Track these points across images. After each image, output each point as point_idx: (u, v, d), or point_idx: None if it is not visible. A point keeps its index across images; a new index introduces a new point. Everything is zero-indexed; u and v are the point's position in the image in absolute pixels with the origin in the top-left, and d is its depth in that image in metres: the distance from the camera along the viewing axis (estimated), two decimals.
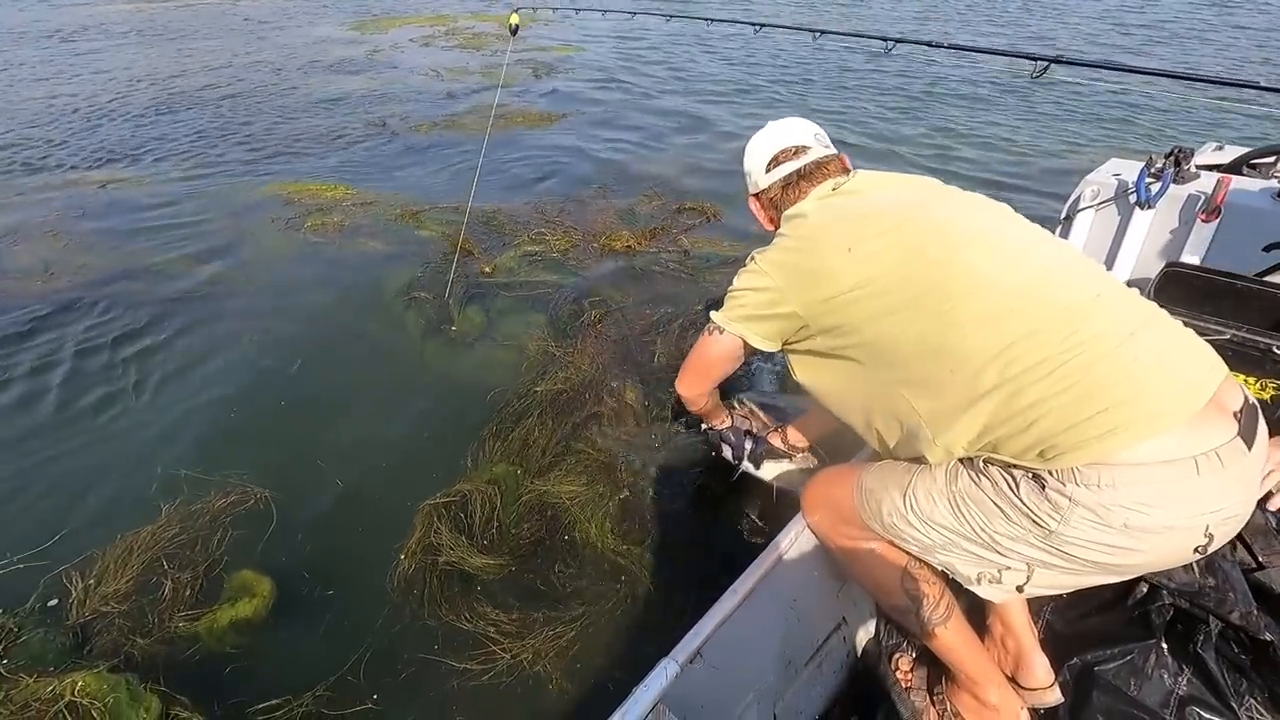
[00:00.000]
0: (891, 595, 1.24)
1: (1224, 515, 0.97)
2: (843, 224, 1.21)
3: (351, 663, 1.79)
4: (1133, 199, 2.14)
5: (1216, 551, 1.20)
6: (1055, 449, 0.98)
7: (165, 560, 2.06)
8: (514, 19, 3.60)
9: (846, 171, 1.37)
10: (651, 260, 3.93)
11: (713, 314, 1.35)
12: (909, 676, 1.43)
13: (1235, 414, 0.99)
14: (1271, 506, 1.28)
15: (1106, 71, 2.35)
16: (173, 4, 13.46)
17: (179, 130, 6.29)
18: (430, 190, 4.86)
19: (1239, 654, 1.29)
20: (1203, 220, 1.79)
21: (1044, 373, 1.00)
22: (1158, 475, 0.94)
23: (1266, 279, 1.64)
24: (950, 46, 2.67)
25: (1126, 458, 0.95)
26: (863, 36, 3.34)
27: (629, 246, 4.11)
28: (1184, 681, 1.29)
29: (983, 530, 1.08)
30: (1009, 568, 1.10)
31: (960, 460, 1.11)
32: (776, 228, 1.40)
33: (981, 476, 1.07)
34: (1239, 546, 1.35)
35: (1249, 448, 0.98)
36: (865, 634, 1.53)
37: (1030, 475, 1.01)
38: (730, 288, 1.33)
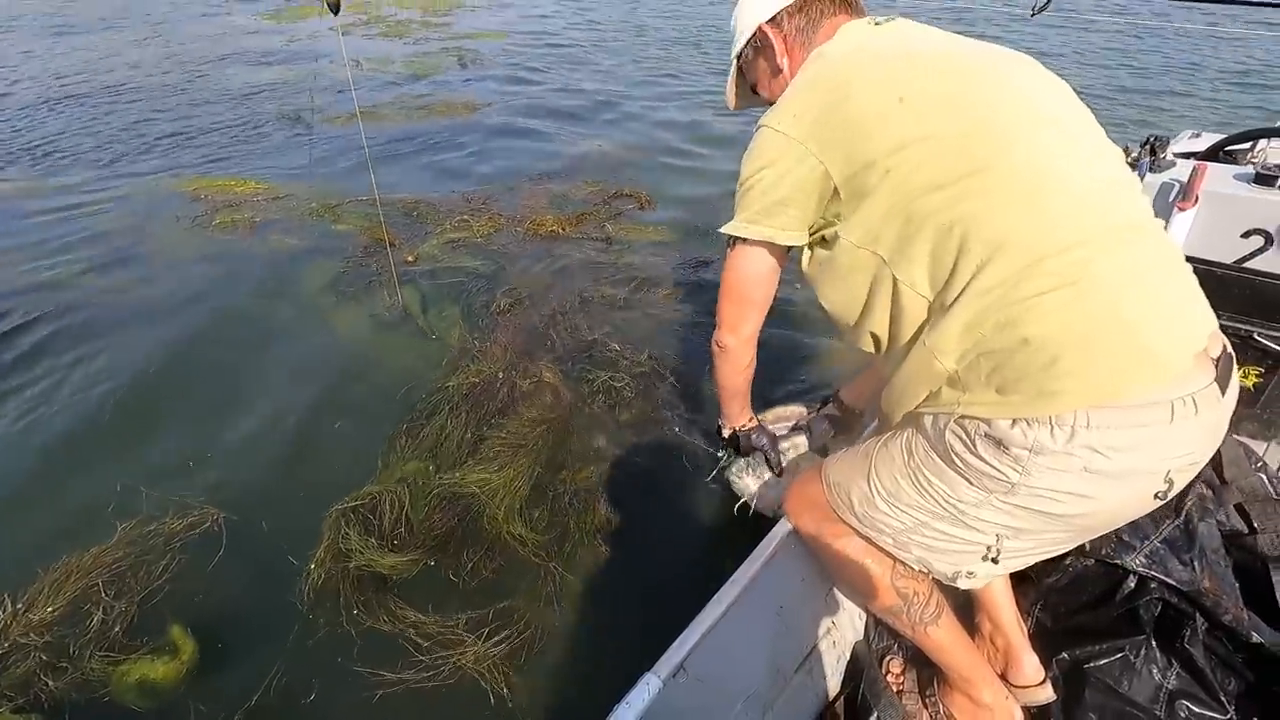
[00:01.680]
0: (881, 596, 1.20)
1: (1188, 460, 0.94)
2: (890, 65, 1.01)
3: (263, 689, 1.68)
4: None
5: (1206, 537, 1.24)
6: (1038, 386, 0.90)
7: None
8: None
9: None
10: (574, 246, 3.87)
11: (724, 227, 1.15)
12: (900, 679, 1.41)
13: (1214, 360, 0.96)
14: None
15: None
16: None
17: (74, 129, 5.90)
18: (347, 183, 4.68)
19: (1228, 649, 1.28)
20: (1180, 208, 1.78)
21: (1061, 285, 0.89)
22: (1131, 419, 0.89)
23: (1246, 265, 1.66)
24: None
25: (1112, 401, 0.89)
26: None
27: (554, 231, 4.04)
28: (1173, 676, 1.29)
29: (947, 502, 1.03)
30: (979, 543, 1.05)
31: (915, 426, 1.06)
32: (780, 80, 1.19)
33: (939, 440, 1.01)
34: (1234, 513, 1.34)
35: (1222, 394, 0.95)
36: (855, 637, 1.50)
37: (984, 433, 0.96)
38: (740, 180, 1.12)
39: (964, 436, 0.98)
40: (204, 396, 2.68)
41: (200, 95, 6.75)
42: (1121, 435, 0.89)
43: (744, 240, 1.13)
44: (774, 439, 1.63)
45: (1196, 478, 1.24)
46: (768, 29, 1.18)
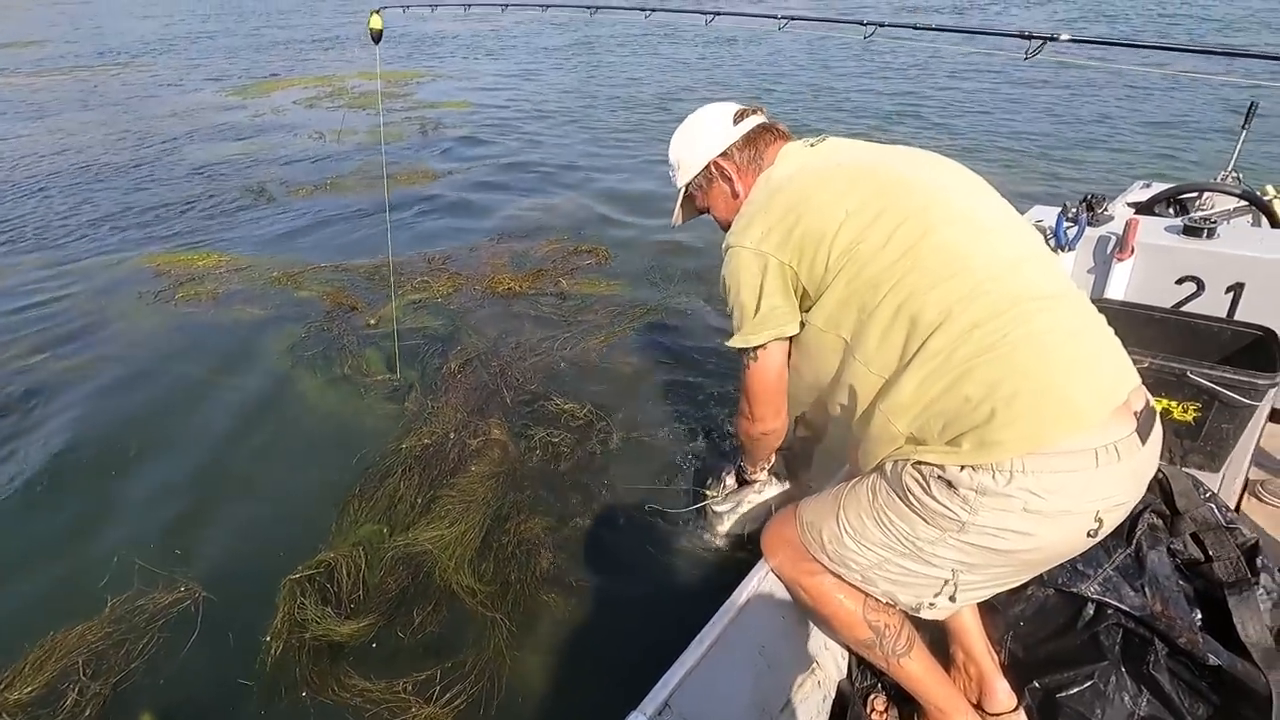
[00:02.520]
0: (855, 629, 1.28)
1: (1114, 503, 1.07)
2: (832, 185, 1.21)
3: None
4: (1053, 243, 2.22)
5: (1157, 564, 1.33)
6: (980, 437, 1.04)
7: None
8: (375, 21, 2.93)
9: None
10: (529, 302, 4.01)
11: (732, 342, 1.32)
12: (884, 717, 1.45)
13: (1136, 413, 1.08)
14: None
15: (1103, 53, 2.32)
16: (41, 79, 12.83)
17: (35, 209, 5.96)
18: (309, 252, 4.79)
19: (1193, 673, 1.32)
20: (1119, 259, 1.91)
21: (988, 349, 1.05)
22: (1059, 464, 1.02)
23: (1182, 309, 1.78)
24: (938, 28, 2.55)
25: (1041, 449, 1.02)
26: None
27: (510, 289, 4.17)
28: (1144, 703, 1.33)
29: (907, 539, 1.15)
30: (938, 578, 1.17)
31: (879, 472, 1.18)
32: (735, 202, 1.37)
33: (898, 483, 1.14)
34: (1190, 542, 1.42)
35: (1143, 443, 1.08)
36: (838, 676, 1.54)
37: (937, 476, 1.09)
38: (732, 299, 1.30)
39: (920, 480, 1.12)
40: (163, 471, 2.70)
41: (166, 172, 6.87)
42: (1053, 479, 1.03)
43: (760, 347, 1.30)
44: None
45: (1144, 509, 1.37)
46: (721, 162, 1.38)
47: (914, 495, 1.12)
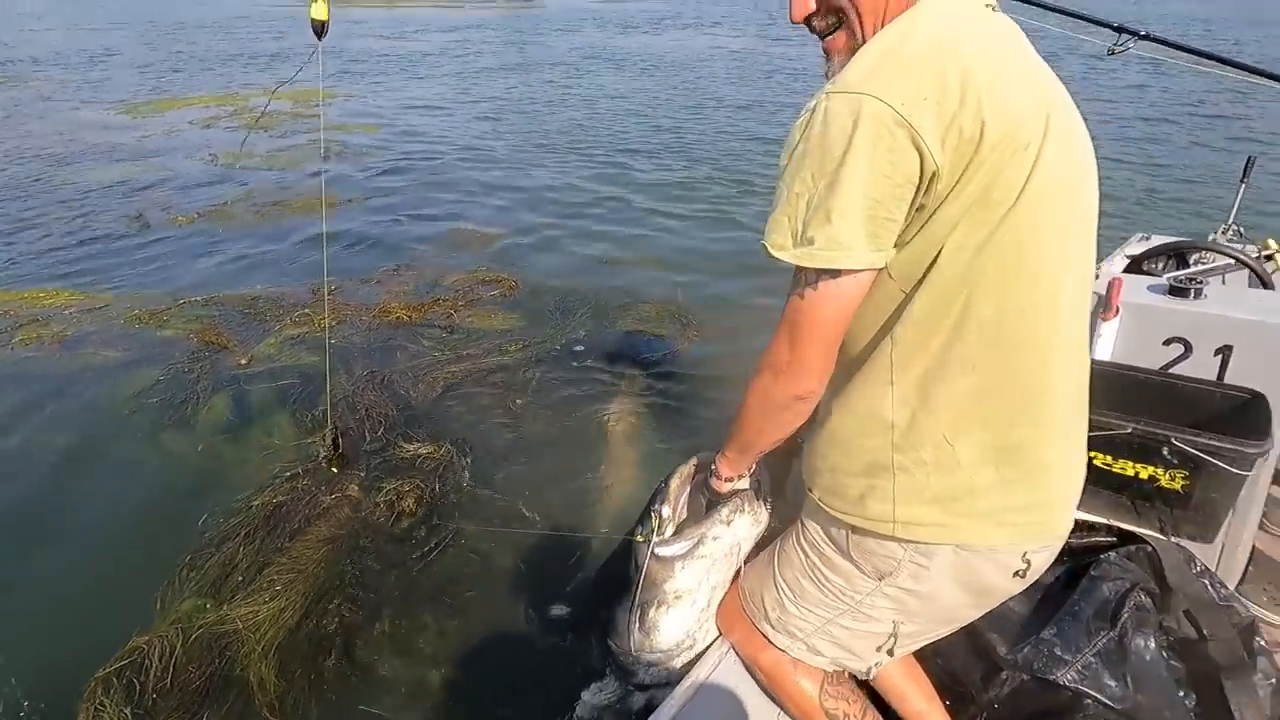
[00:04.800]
0: (814, 717, 1.19)
1: (1043, 545, 1.02)
2: (1026, 96, 0.83)
3: None
4: None
5: (1142, 649, 1.25)
6: (951, 511, 0.95)
7: None
8: (318, 9, 2.12)
9: None
10: (415, 335, 3.83)
11: (795, 253, 0.84)
12: None
13: None
14: None
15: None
16: None
17: None
18: (182, 285, 4.44)
19: None
20: (1104, 319, 1.84)
21: (1022, 455, 0.94)
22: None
23: (1170, 372, 1.71)
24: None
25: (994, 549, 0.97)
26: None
27: (400, 319, 3.98)
28: None
29: (844, 595, 1.07)
30: (881, 633, 1.10)
31: (812, 522, 1.10)
32: (856, 40, 0.89)
33: (831, 542, 1.06)
34: (1184, 619, 1.34)
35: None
36: None
37: (858, 531, 1.01)
38: (811, 177, 0.81)
39: (851, 534, 1.03)
40: None
41: (33, 197, 6.32)
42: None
43: (828, 275, 0.84)
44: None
45: (1132, 586, 1.30)
46: None
47: (846, 549, 1.05)
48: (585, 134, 8.95)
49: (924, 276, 0.86)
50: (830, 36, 0.91)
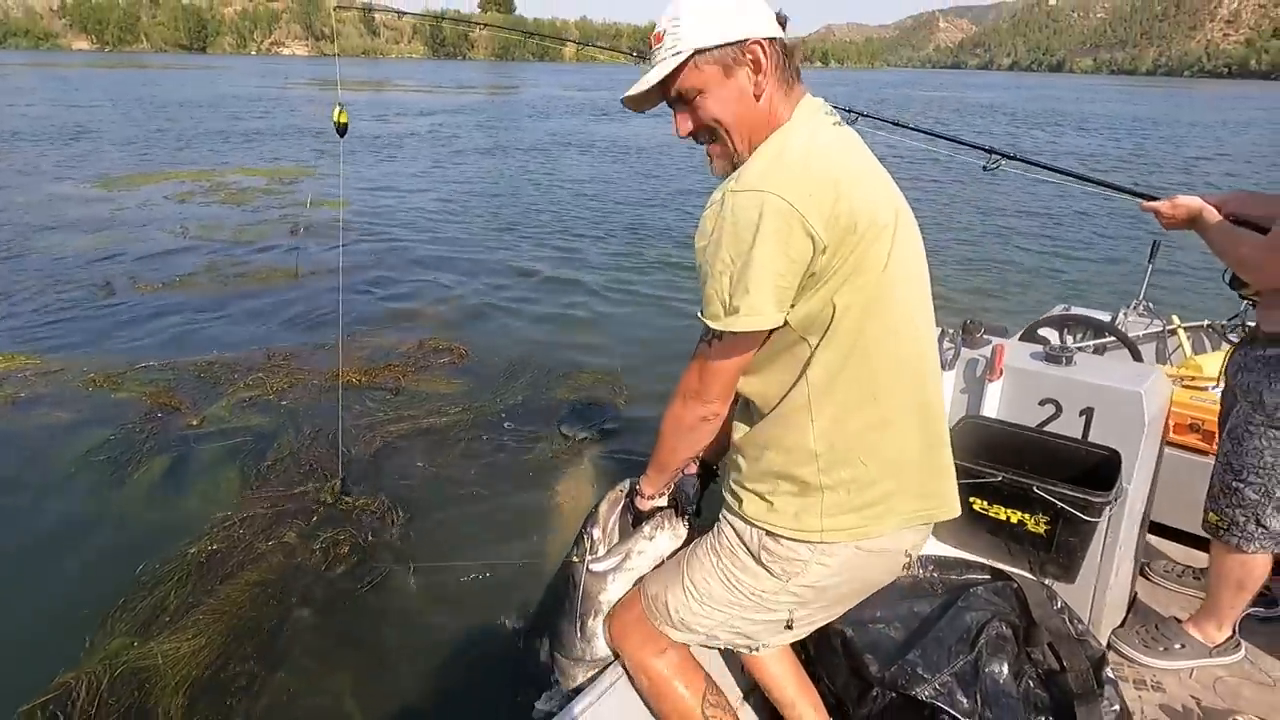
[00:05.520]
0: None
1: (916, 539, 1.24)
2: (865, 186, 1.06)
3: None
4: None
5: (995, 673, 1.41)
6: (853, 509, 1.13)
7: None
8: (341, 115, 2.70)
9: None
10: (361, 397, 4.04)
11: (711, 316, 1.05)
12: None
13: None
14: None
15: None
16: None
17: None
18: (138, 351, 4.62)
19: None
20: (989, 380, 2.04)
21: (890, 434, 1.13)
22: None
23: (1044, 429, 1.95)
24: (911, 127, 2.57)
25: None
26: None
27: (351, 382, 4.18)
28: None
29: (753, 593, 1.21)
30: (778, 620, 1.24)
31: (718, 532, 1.26)
32: (752, 112, 1.07)
33: (745, 547, 1.21)
34: (1048, 652, 1.46)
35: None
36: None
37: (774, 536, 1.16)
38: (727, 259, 1.01)
39: (762, 537, 1.19)
40: None
41: (0, 266, 6.49)
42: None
43: (725, 335, 1.05)
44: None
45: (992, 617, 1.46)
46: (766, 47, 1.05)
47: (754, 552, 1.20)
48: (545, 216, 9.45)
49: (825, 332, 1.06)
50: (709, 144, 1.13)
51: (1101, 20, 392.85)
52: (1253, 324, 1.81)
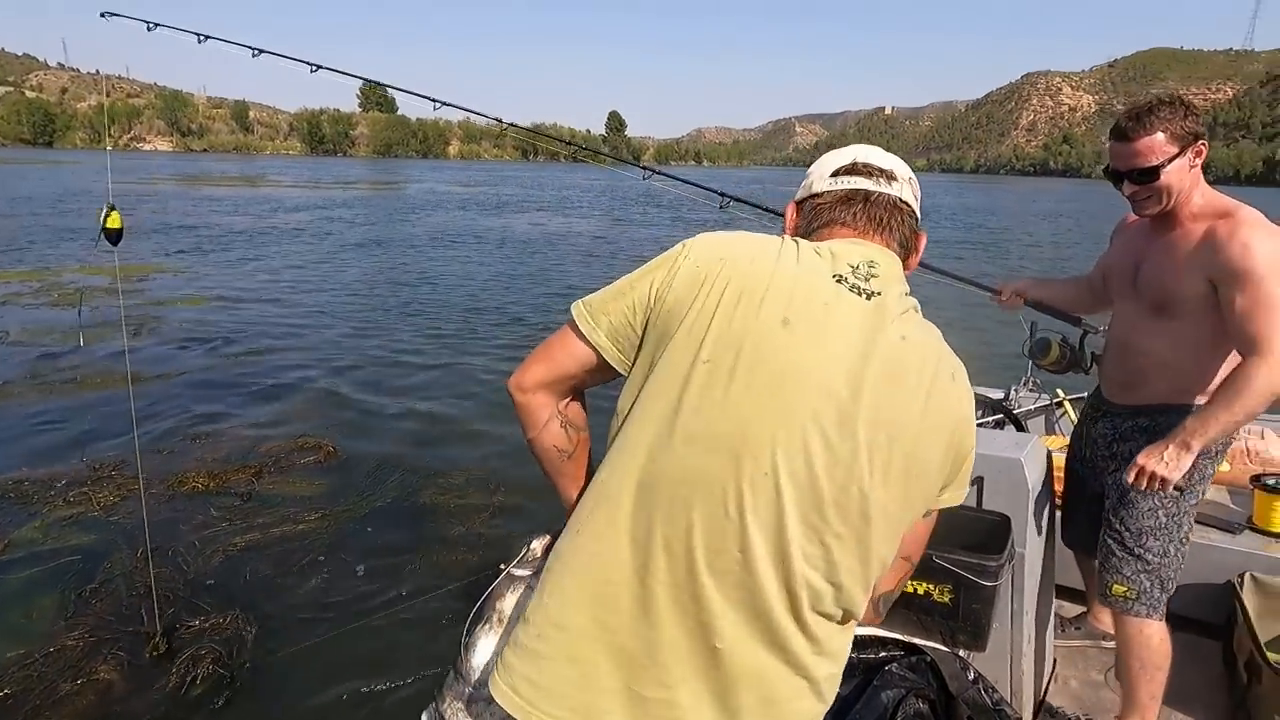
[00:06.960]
0: None
1: None
2: (803, 293, 0.91)
3: None
4: None
5: None
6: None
7: None
8: (113, 219, 2.36)
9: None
10: (206, 504, 3.75)
11: (578, 302, 1.04)
12: None
13: None
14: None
15: None
16: None
17: None
18: None
19: None
20: None
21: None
22: None
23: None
24: None
25: None
26: None
27: (195, 488, 3.91)
28: None
29: None
30: None
31: None
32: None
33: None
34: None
35: None
36: None
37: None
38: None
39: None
40: None
41: None
42: None
43: (581, 334, 1.02)
44: None
45: (908, 692, 1.42)
46: (793, 206, 1.11)
47: None
48: (426, 309, 9.33)
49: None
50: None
51: (929, 127, 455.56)
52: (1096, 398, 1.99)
